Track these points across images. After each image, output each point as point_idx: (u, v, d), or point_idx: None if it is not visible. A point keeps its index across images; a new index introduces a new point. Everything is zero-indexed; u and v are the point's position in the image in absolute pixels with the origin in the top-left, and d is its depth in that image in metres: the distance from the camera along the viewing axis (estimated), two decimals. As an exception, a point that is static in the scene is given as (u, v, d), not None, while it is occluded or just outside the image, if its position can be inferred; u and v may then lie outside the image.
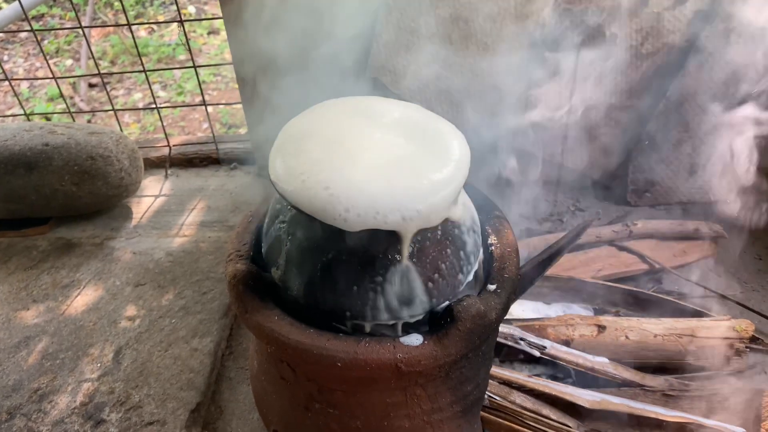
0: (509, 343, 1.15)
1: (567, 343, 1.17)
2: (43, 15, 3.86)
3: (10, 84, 1.90)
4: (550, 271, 1.29)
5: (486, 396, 1.03)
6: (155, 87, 3.15)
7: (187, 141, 2.06)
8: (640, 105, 1.56)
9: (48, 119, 2.53)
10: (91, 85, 3.17)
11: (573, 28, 1.44)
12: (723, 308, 1.33)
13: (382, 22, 1.46)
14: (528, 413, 1.02)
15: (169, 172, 1.96)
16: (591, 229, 1.45)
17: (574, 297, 1.34)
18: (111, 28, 3.53)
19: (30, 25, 1.83)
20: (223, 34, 3.56)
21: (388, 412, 0.76)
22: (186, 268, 1.52)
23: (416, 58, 1.49)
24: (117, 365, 1.27)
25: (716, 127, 1.51)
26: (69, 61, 3.41)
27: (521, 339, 1.15)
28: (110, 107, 1.98)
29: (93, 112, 2.89)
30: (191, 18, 3.76)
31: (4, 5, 3.49)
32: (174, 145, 2.01)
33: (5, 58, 3.47)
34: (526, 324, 1.20)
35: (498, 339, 1.14)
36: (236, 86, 3.13)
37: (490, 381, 1.06)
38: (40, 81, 3.21)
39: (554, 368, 1.17)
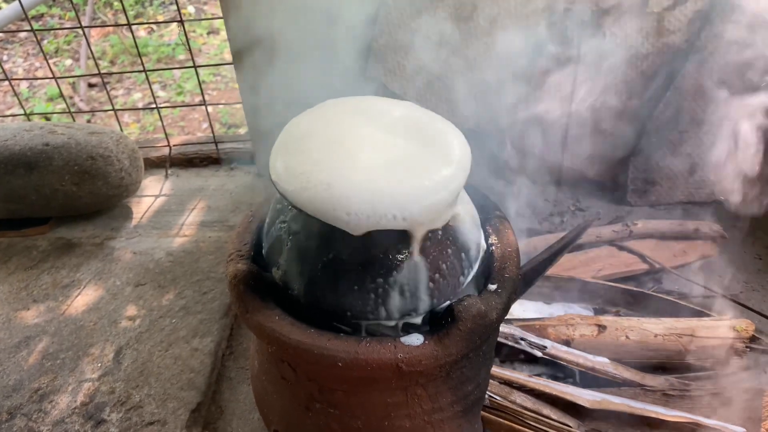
0: (510, 343, 1.15)
1: (567, 342, 1.17)
2: (42, 15, 3.85)
3: (10, 84, 1.90)
4: (551, 271, 1.29)
5: (486, 396, 1.03)
6: (154, 87, 3.15)
7: (188, 141, 2.06)
8: (640, 105, 1.56)
9: (47, 119, 2.53)
10: (91, 85, 3.17)
11: (573, 28, 1.44)
12: (723, 308, 1.33)
13: (381, 22, 1.46)
14: (528, 413, 1.02)
15: (169, 172, 1.96)
16: (591, 228, 1.45)
17: (575, 297, 1.34)
18: (110, 28, 3.53)
19: (30, 24, 1.83)
20: (223, 34, 3.56)
21: (388, 412, 0.76)
22: (186, 268, 1.52)
23: (416, 57, 1.49)
24: (117, 365, 1.27)
25: (716, 127, 1.51)
26: (68, 61, 3.41)
27: (522, 339, 1.15)
28: (110, 107, 1.98)
29: (93, 111, 2.89)
30: (191, 18, 3.76)
31: (3, 5, 3.49)
32: (174, 145, 2.01)
33: (5, 58, 3.47)
34: (527, 324, 1.20)
35: (498, 339, 1.14)
36: (236, 86, 3.13)
37: (491, 381, 1.06)
38: (39, 81, 3.21)
39: (555, 368, 1.17)
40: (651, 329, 1.18)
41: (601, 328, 1.19)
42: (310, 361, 0.70)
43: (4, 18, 2.05)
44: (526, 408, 1.04)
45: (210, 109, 2.96)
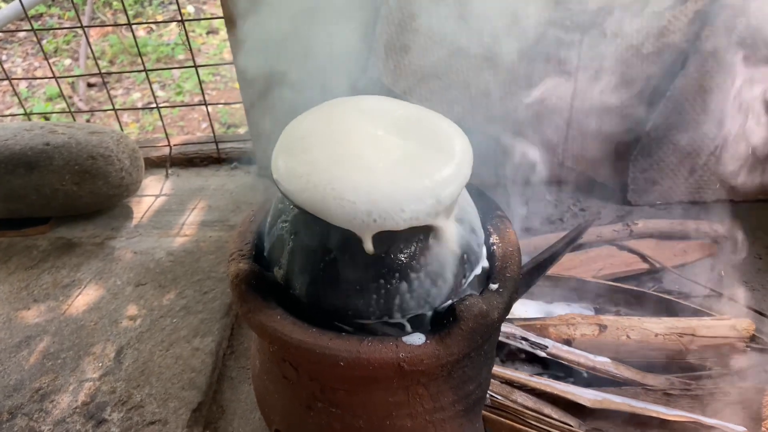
0: (511, 343, 1.15)
1: (568, 342, 1.17)
2: (41, 15, 3.85)
3: (11, 83, 1.90)
4: (551, 271, 1.29)
5: (488, 395, 1.03)
6: (153, 87, 3.15)
7: (188, 140, 2.06)
8: (640, 104, 1.56)
9: (47, 119, 2.53)
10: (90, 85, 3.17)
11: (573, 27, 1.44)
12: (723, 307, 1.33)
13: (382, 22, 1.46)
14: (529, 412, 1.02)
15: (169, 171, 1.96)
16: (592, 228, 1.46)
17: (575, 296, 1.34)
18: (109, 28, 3.53)
19: (30, 23, 1.83)
20: (222, 33, 3.56)
21: (390, 412, 0.76)
22: (187, 267, 1.52)
23: (417, 57, 1.49)
24: (118, 365, 1.27)
25: (716, 126, 1.51)
26: (68, 61, 3.41)
27: (523, 338, 1.15)
28: (109, 107, 1.98)
29: (92, 111, 2.89)
30: (190, 18, 3.76)
31: (2, 5, 3.49)
32: (174, 145, 2.01)
33: (3, 57, 3.47)
34: (528, 323, 1.20)
35: (500, 338, 1.14)
36: (235, 86, 3.14)
37: (492, 380, 1.06)
38: (38, 81, 3.21)
39: (555, 368, 1.17)
40: (652, 329, 1.18)
41: (602, 327, 1.19)
42: (312, 360, 0.70)
43: (4, 17, 2.05)
44: (527, 407, 1.04)
45: (209, 108, 2.95)
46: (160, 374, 1.24)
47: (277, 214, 0.81)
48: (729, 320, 1.20)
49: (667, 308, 1.30)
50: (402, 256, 0.71)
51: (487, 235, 0.86)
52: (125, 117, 2.92)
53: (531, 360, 1.18)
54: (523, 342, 1.15)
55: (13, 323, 1.38)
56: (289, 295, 0.77)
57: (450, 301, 0.74)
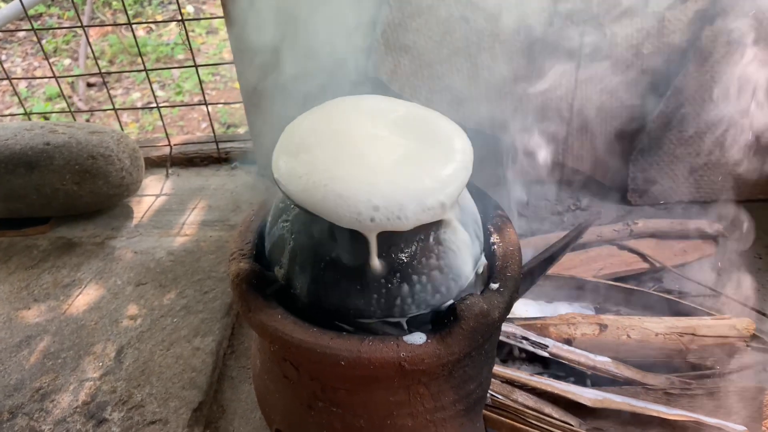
0: (511, 342, 1.15)
1: (569, 341, 1.17)
2: (41, 14, 3.85)
3: (11, 82, 1.89)
4: (552, 270, 1.29)
5: (488, 394, 1.03)
6: (153, 87, 3.15)
7: (188, 140, 2.06)
8: (640, 104, 1.56)
9: (46, 119, 2.53)
10: (90, 85, 3.17)
11: (574, 27, 1.44)
12: (723, 307, 1.33)
13: (383, 22, 1.46)
14: (530, 412, 1.02)
15: (169, 171, 1.96)
16: (592, 228, 1.46)
17: (576, 296, 1.34)
18: (109, 28, 3.53)
19: (30, 23, 1.83)
20: (222, 33, 3.56)
21: (391, 411, 0.76)
22: (187, 267, 1.52)
23: (416, 57, 1.49)
24: (119, 364, 1.27)
25: (716, 126, 1.51)
26: (67, 61, 3.41)
27: (523, 338, 1.15)
28: (108, 107, 1.98)
29: (92, 111, 2.88)
30: (190, 17, 3.76)
31: (2, 4, 3.49)
32: (175, 145, 2.01)
33: (3, 57, 3.46)
34: (528, 323, 1.20)
35: (500, 338, 1.14)
36: (235, 86, 3.14)
37: (493, 380, 1.06)
38: (38, 81, 3.21)
39: (555, 367, 1.17)
40: (652, 328, 1.18)
41: (603, 327, 1.19)
42: (313, 359, 0.71)
43: (4, 17, 2.05)
44: (527, 407, 1.04)
45: (209, 108, 2.95)
46: (161, 374, 1.24)
47: (277, 214, 0.81)
48: (729, 319, 1.21)
49: (668, 308, 1.30)
50: (402, 256, 0.71)
51: (488, 235, 0.86)
52: (125, 117, 2.92)
53: (531, 359, 1.18)
54: (524, 341, 1.15)
55: (13, 323, 1.38)
56: (289, 294, 0.77)
57: (451, 301, 0.74)
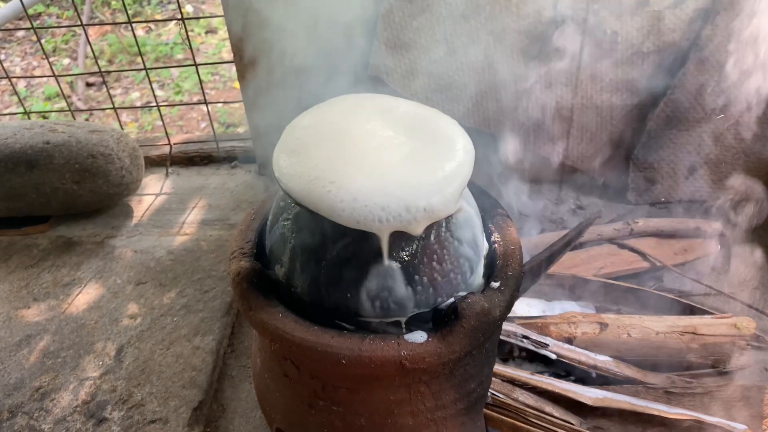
0: (512, 341, 1.15)
1: (569, 340, 1.17)
2: (39, 14, 3.85)
3: (10, 81, 1.89)
4: (552, 269, 1.29)
5: (489, 393, 1.03)
6: (152, 87, 3.14)
7: (188, 139, 2.06)
8: (640, 103, 1.56)
9: (45, 118, 2.53)
10: (89, 85, 3.17)
11: (574, 26, 1.44)
12: (724, 306, 1.33)
13: (382, 21, 1.46)
14: (531, 410, 1.02)
15: (169, 170, 1.96)
16: (592, 227, 1.46)
17: (576, 295, 1.34)
18: (108, 28, 3.53)
19: (30, 22, 1.83)
20: (221, 33, 3.56)
21: (391, 410, 0.76)
22: (187, 266, 1.52)
23: (416, 56, 1.49)
24: (119, 363, 1.26)
25: (716, 125, 1.51)
26: (66, 60, 3.41)
27: (524, 337, 1.15)
28: (107, 106, 1.98)
29: (91, 110, 2.88)
30: (189, 16, 3.76)
31: (1, 4, 3.49)
32: (175, 144, 2.01)
33: (2, 57, 3.46)
34: (528, 322, 1.20)
35: (501, 337, 1.14)
36: (234, 86, 3.13)
37: (493, 378, 1.06)
38: (37, 80, 3.21)
39: (556, 366, 1.17)
40: (652, 327, 1.18)
41: (603, 325, 1.19)
42: (314, 358, 0.70)
43: (3, 16, 2.05)
44: (528, 405, 1.04)
45: (209, 107, 2.95)
46: (161, 373, 1.24)
47: (278, 212, 0.81)
48: (730, 318, 1.21)
49: (668, 306, 1.30)
50: (404, 254, 0.71)
51: (489, 233, 0.86)
52: (124, 117, 2.92)
53: (532, 358, 1.18)
54: (525, 340, 1.15)
55: (13, 322, 1.37)
56: (290, 293, 0.77)
57: (452, 299, 0.74)
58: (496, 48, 1.47)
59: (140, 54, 1.90)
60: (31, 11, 3.65)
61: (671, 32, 1.45)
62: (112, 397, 1.19)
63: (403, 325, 0.74)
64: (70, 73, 3.27)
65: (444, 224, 0.73)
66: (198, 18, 3.70)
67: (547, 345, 1.14)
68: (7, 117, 2.48)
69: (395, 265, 0.71)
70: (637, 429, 1.06)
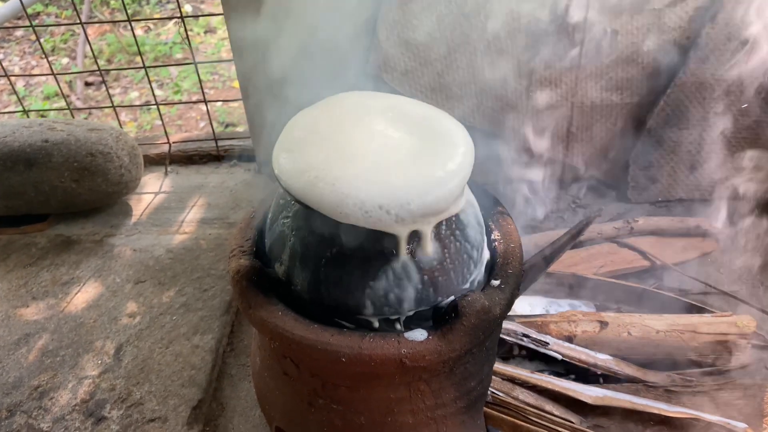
0: (512, 340, 1.15)
1: (569, 339, 1.17)
2: (38, 14, 3.84)
3: (9, 80, 1.89)
4: (553, 268, 1.29)
5: (489, 392, 1.03)
6: (151, 86, 3.14)
7: (187, 138, 2.05)
8: (640, 102, 1.56)
9: (44, 117, 2.52)
10: (88, 84, 3.16)
11: (574, 24, 1.44)
12: (724, 304, 1.33)
13: (383, 20, 1.46)
14: (531, 409, 1.02)
15: (168, 169, 1.96)
16: (592, 225, 1.45)
17: (576, 293, 1.34)
18: (107, 27, 3.52)
19: (29, 20, 1.82)
20: (220, 32, 3.56)
21: (391, 408, 0.76)
22: (186, 265, 1.51)
23: (417, 54, 1.49)
24: (118, 362, 1.26)
25: (716, 124, 1.51)
26: (65, 60, 3.40)
27: (524, 335, 1.15)
28: (107, 105, 1.98)
29: (90, 109, 2.88)
30: (189, 15, 3.75)
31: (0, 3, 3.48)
32: (174, 142, 2.01)
33: (1, 56, 3.46)
34: (528, 320, 1.20)
35: (501, 335, 1.14)
36: (233, 85, 3.13)
37: (493, 377, 1.06)
38: (36, 80, 3.20)
39: (556, 364, 1.17)
40: (653, 325, 1.18)
41: (603, 324, 1.19)
42: (313, 356, 0.70)
43: (2, 16, 2.05)
44: (528, 404, 1.04)
45: (208, 106, 2.95)
46: (160, 371, 1.24)
47: (278, 210, 0.81)
48: (730, 317, 1.20)
49: (668, 305, 1.30)
50: (404, 251, 0.71)
51: (489, 232, 0.86)
52: (123, 116, 2.91)
53: (532, 357, 1.17)
54: (525, 339, 1.15)
55: (11, 321, 1.37)
56: (290, 291, 0.77)
57: (452, 297, 0.74)
58: (497, 46, 1.47)
59: (139, 53, 1.89)
60: (30, 10, 3.65)
61: (672, 31, 1.45)
62: (111, 396, 1.19)
63: (403, 324, 0.74)
64: (69, 71, 3.27)
65: (444, 222, 0.73)
66: (197, 16, 3.70)
67: (547, 343, 1.14)
68: (6, 116, 2.48)
69: (395, 262, 0.71)
70: (637, 427, 1.05)
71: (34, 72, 3.31)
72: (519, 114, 1.57)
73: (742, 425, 1.03)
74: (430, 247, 0.71)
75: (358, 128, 0.74)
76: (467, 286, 0.77)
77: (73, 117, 2.03)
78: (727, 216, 1.49)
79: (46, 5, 3.89)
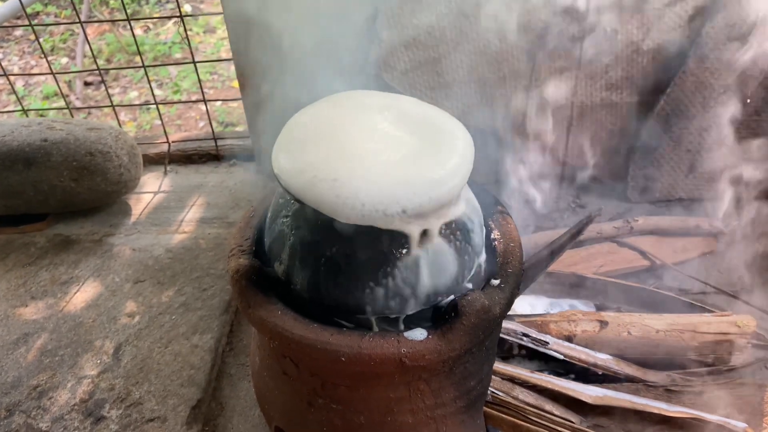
0: (512, 339, 1.15)
1: (569, 338, 1.17)
2: (38, 13, 3.84)
3: (8, 79, 1.89)
4: (552, 267, 1.29)
5: (489, 391, 1.02)
6: (151, 86, 3.14)
7: (187, 137, 2.05)
8: (640, 101, 1.56)
9: (43, 116, 2.52)
10: (87, 84, 3.16)
11: (574, 24, 1.43)
12: (724, 304, 1.33)
13: (383, 19, 1.46)
14: (531, 409, 1.02)
15: (168, 168, 1.95)
16: (592, 225, 1.45)
17: (576, 293, 1.34)
18: (106, 27, 3.52)
19: (29, 20, 1.82)
20: (219, 32, 3.56)
21: (391, 407, 0.76)
22: (186, 264, 1.51)
23: (417, 53, 1.49)
24: (117, 362, 1.26)
25: (716, 123, 1.51)
26: (64, 59, 3.40)
27: (524, 335, 1.15)
28: (106, 105, 1.97)
29: (89, 108, 2.88)
30: (188, 14, 3.75)
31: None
32: (173, 142, 2.00)
33: (0, 56, 3.46)
34: (528, 320, 1.20)
35: (500, 335, 1.14)
36: (233, 85, 3.13)
37: (493, 376, 1.06)
38: (35, 79, 3.20)
39: (556, 364, 1.17)
40: (653, 325, 1.18)
41: (603, 324, 1.18)
42: (313, 356, 0.70)
43: (1, 15, 2.04)
44: (528, 404, 1.04)
45: (207, 106, 2.95)
46: (159, 371, 1.24)
47: (277, 210, 0.81)
48: (730, 316, 1.20)
49: (668, 305, 1.30)
50: (404, 251, 0.71)
51: (489, 231, 0.86)
52: (122, 116, 2.91)
53: (532, 356, 1.17)
54: (524, 338, 1.15)
55: (10, 320, 1.37)
56: (289, 290, 0.76)
57: (452, 297, 0.74)
58: (497, 45, 1.47)
59: (139, 53, 1.89)
60: (29, 10, 3.64)
61: (671, 30, 1.45)
62: (110, 396, 1.19)
63: (403, 323, 0.74)
64: (69, 71, 3.27)
65: (444, 221, 0.73)
66: (196, 15, 3.70)
67: (547, 343, 1.14)
68: (5, 115, 2.47)
69: (395, 262, 0.70)
70: (637, 427, 1.05)
71: (34, 71, 3.30)
72: (519, 113, 1.56)
73: (742, 425, 1.03)
74: (429, 246, 0.71)
75: (358, 127, 0.74)
76: (467, 285, 0.77)
77: (73, 116, 2.03)
78: (727, 216, 1.49)
79: (46, 5, 3.89)
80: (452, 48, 1.48)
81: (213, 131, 1.98)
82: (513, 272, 0.78)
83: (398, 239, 0.70)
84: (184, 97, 3.06)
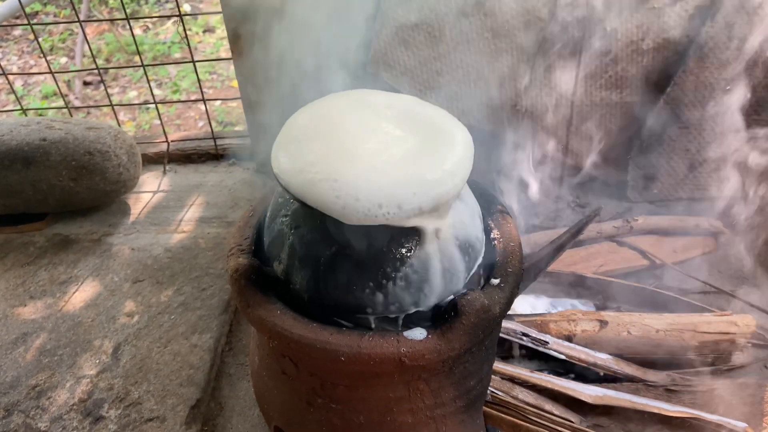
0: (511, 339, 1.15)
1: (569, 338, 1.17)
2: (37, 13, 3.84)
3: (7, 79, 1.88)
4: (552, 267, 1.29)
5: (488, 391, 1.02)
6: (150, 86, 3.14)
7: (186, 137, 2.05)
8: (640, 101, 1.55)
9: (42, 116, 2.51)
10: (86, 83, 3.16)
11: (574, 23, 1.43)
12: (724, 304, 1.33)
13: (382, 18, 1.46)
14: (530, 408, 1.02)
15: (167, 168, 1.95)
16: (592, 224, 1.45)
17: (576, 292, 1.34)
18: (105, 26, 3.52)
19: (28, 19, 1.82)
20: (219, 32, 3.56)
21: (391, 407, 0.76)
22: (185, 264, 1.51)
23: (416, 52, 1.49)
24: (116, 361, 1.26)
25: (716, 123, 1.51)
26: (63, 59, 3.40)
27: (524, 334, 1.15)
28: (105, 104, 1.97)
29: (89, 107, 2.88)
30: (188, 14, 3.75)
31: (-1, 2, 3.47)
32: (172, 141, 2.00)
33: (-1, 55, 3.46)
34: (528, 319, 1.20)
35: (500, 334, 1.14)
36: (232, 85, 3.13)
37: (493, 376, 1.06)
38: (34, 79, 3.20)
39: (556, 364, 1.17)
40: (653, 325, 1.18)
41: (603, 323, 1.18)
42: (312, 355, 0.70)
43: (0, 15, 2.04)
44: (528, 403, 1.04)
45: (207, 105, 2.95)
46: (158, 371, 1.24)
47: (277, 209, 0.81)
48: (730, 316, 1.20)
49: (668, 304, 1.29)
50: (403, 251, 0.71)
51: (488, 230, 0.86)
52: (121, 116, 2.91)
53: (532, 356, 1.17)
54: (524, 338, 1.15)
55: (9, 320, 1.37)
56: (289, 290, 0.76)
57: (451, 296, 0.74)
58: (496, 45, 1.47)
59: (138, 52, 1.89)
60: (28, 10, 3.64)
61: (671, 29, 1.45)
62: (109, 396, 1.19)
63: (402, 322, 0.74)
64: (68, 70, 3.26)
65: (444, 221, 0.73)
66: (195, 14, 3.70)
67: (547, 342, 1.14)
68: (4, 115, 2.47)
69: (395, 261, 0.70)
70: (637, 427, 1.05)
71: (33, 71, 3.30)
72: (518, 113, 1.56)
73: (742, 425, 1.03)
74: (429, 246, 0.71)
75: (358, 126, 0.73)
76: (467, 285, 0.76)
77: (72, 116, 2.02)
78: (726, 216, 1.49)
79: (45, 4, 3.89)
80: (452, 47, 1.47)
81: (212, 131, 1.97)
82: (513, 272, 0.78)
83: (398, 239, 0.70)
84: (183, 97, 3.06)
